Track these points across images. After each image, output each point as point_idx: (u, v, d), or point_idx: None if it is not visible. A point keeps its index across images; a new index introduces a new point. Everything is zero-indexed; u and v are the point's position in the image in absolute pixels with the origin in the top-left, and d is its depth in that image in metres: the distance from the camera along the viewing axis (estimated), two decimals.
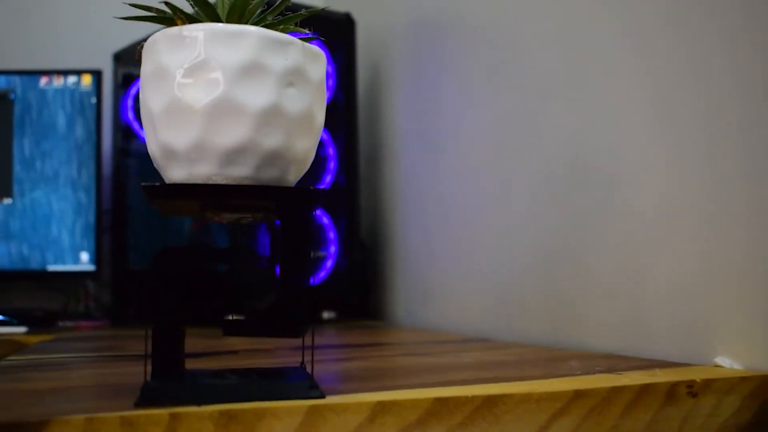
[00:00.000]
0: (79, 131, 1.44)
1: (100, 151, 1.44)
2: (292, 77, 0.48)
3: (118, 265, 1.45)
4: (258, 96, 0.47)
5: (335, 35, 1.31)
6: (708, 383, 0.51)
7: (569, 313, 0.80)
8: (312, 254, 1.27)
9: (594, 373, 0.55)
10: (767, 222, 0.57)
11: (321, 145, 1.28)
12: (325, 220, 1.27)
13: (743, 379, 0.52)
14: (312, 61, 0.50)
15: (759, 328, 0.56)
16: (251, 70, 0.47)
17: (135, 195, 1.45)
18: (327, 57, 1.19)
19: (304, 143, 0.50)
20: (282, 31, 0.49)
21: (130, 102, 1.46)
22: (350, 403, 0.45)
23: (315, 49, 0.50)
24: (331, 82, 1.30)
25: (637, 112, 0.72)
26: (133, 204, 1.46)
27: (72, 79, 1.44)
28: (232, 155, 0.47)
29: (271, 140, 0.48)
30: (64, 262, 1.41)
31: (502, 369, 0.59)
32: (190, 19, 0.49)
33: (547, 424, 0.47)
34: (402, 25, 1.27)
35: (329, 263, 1.28)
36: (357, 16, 1.31)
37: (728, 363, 0.58)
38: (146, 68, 0.49)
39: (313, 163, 1.18)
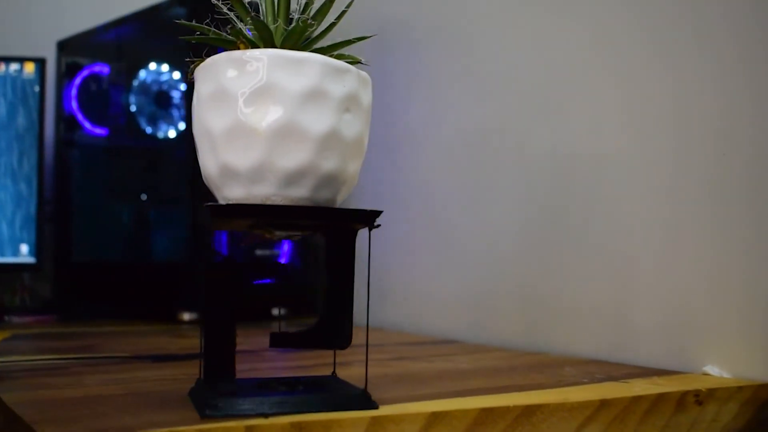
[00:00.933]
0: (21, 120, 1.40)
1: (42, 141, 1.41)
2: (349, 103, 0.51)
3: (61, 257, 1.43)
4: (319, 121, 0.49)
5: None
6: (711, 392, 0.56)
7: (547, 318, 0.84)
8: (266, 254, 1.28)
9: (600, 381, 0.60)
10: (758, 234, 0.63)
11: None
12: None
13: (740, 389, 0.58)
14: (364, 87, 0.52)
15: (746, 338, 0.62)
16: (313, 96, 0.49)
17: (78, 186, 1.43)
18: None
19: (355, 165, 0.52)
20: (337, 57, 0.52)
21: (74, 92, 1.44)
22: (407, 414, 0.48)
23: (365, 75, 0.52)
24: None
25: (619, 120, 0.77)
26: (75, 195, 1.44)
27: (14, 67, 1.40)
28: (293, 177, 0.49)
29: (329, 163, 0.50)
30: (2, 255, 1.38)
31: (509, 375, 0.63)
32: (251, 43, 0.51)
33: (577, 430, 0.52)
34: (371, 32, 1.29)
35: (283, 261, 1.29)
36: None
37: (717, 372, 0.64)
38: (205, 89, 0.50)
39: None
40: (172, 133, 1.28)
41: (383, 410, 0.48)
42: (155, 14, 1.29)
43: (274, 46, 0.51)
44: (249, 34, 0.51)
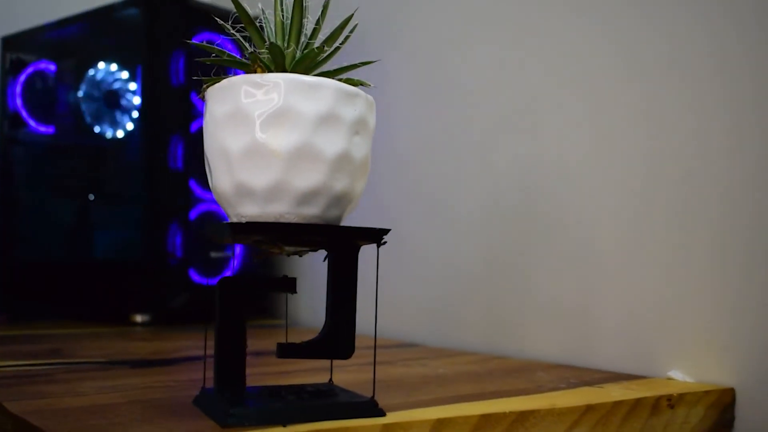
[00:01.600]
0: None
1: None
2: (358, 126, 0.54)
3: (5, 256, 1.41)
4: (332, 143, 0.52)
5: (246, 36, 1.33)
6: (682, 396, 0.61)
7: (509, 324, 0.89)
8: (223, 255, 1.29)
9: (577, 386, 0.64)
10: (722, 241, 0.68)
11: None
12: None
13: (706, 393, 0.63)
14: (370, 110, 0.55)
15: (708, 344, 0.67)
16: (327, 120, 0.52)
17: (23, 184, 1.42)
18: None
19: (361, 185, 0.55)
20: (347, 81, 0.54)
21: (18, 89, 1.42)
22: (414, 421, 0.51)
23: (371, 98, 0.55)
24: None
25: (585, 130, 0.81)
26: (20, 194, 1.42)
27: None
28: (307, 197, 0.52)
29: (340, 183, 0.53)
30: None
31: (491, 381, 0.67)
32: (266, 67, 0.53)
33: None
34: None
35: (234, 263, 1.31)
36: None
37: (680, 376, 0.69)
38: (222, 108, 0.52)
39: None
40: (120, 133, 1.28)
41: (390, 417, 0.51)
42: (106, 14, 1.29)
43: (285, 69, 0.54)
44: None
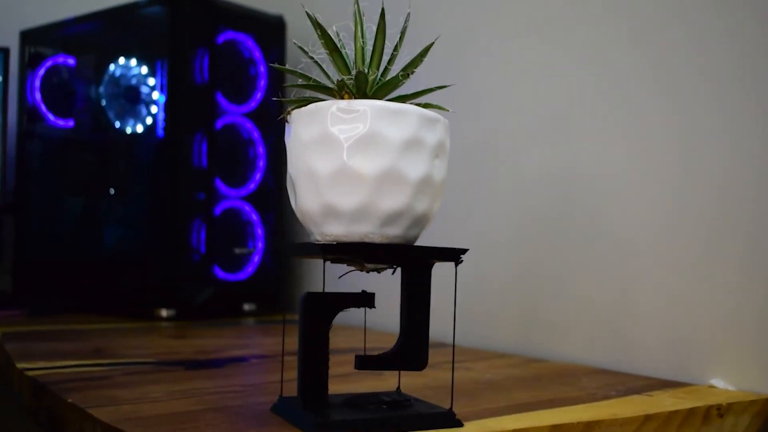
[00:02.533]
0: None
1: (5, 132, 1.40)
2: (438, 150, 0.56)
3: (20, 250, 1.42)
4: (416, 167, 0.54)
5: (268, 35, 1.35)
6: (730, 406, 0.65)
7: (543, 327, 0.92)
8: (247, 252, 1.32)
9: (627, 394, 0.68)
10: (762, 251, 0.71)
11: (252, 143, 1.32)
12: (254, 216, 1.32)
13: (752, 402, 0.66)
14: (447, 134, 0.58)
15: (749, 353, 0.71)
16: (411, 145, 0.54)
17: (41, 178, 1.42)
18: (260, 57, 1.24)
19: (438, 205, 0.58)
20: (425, 106, 0.57)
21: (36, 83, 1.42)
22: (492, 431, 0.54)
23: (447, 122, 0.58)
24: (263, 83, 1.34)
25: (621, 142, 0.84)
26: (38, 187, 1.43)
27: None
28: (391, 218, 0.54)
29: (422, 205, 0.55)
30: None
31: (543, 387, 0.70)
32: (351, 93, 0.55)
33: None
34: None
35: (256, 258, 1.33)
36: (287, 19, 1.36)
37: (722, 384, 0.72)
38: (309, 132, 0.55)
39: (243, 161, 1.25)
40: (140, 128, 1.29)
41: (468, 428, 0.54)
42: (129, 11, 1.30)
43: (365, 94, 0.56)
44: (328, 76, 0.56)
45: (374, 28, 0.57)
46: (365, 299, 0.57)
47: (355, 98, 0.56)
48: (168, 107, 1.23)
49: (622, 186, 0.83)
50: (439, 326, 0.91)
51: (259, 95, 1.32)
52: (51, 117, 1.42)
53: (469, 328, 1.02)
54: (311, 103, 0.57)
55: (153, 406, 0.60)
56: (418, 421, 0.54)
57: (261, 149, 1.33)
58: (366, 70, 0.56)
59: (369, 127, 0.53)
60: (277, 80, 1.36)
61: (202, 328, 1.16)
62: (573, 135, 0.90)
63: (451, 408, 0.56)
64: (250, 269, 1.32)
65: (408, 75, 0.55)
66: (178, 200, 1.23)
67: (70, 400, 0.62)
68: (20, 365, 0.79)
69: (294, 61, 1.35)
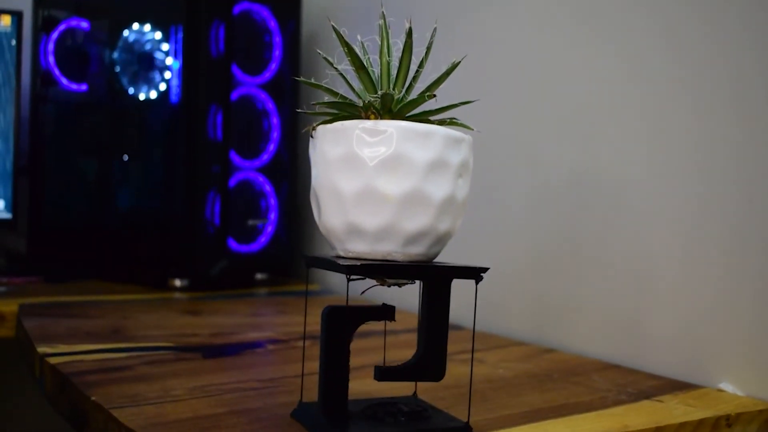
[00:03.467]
0: None
1: (19, 96, 1.40)
2: (462, 169, 0.57)
3: (35, 213, 1.43)
4: (440, 188, 0.55)
5: (284, 6, 1.34)
6: (738, 416, 0.66)
7: (556, 318, 0.93)
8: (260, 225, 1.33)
9: (638, 399, 0.69)
10: None
11: (266, 114, 1.32)
12: (268, 187, 1.33)
13: (760, 412, 0.68)
14: (471, 152, 0.58)
15: (760, 360, 0.72)
16: (437, 166, 0.55)
17: (54, 143, 1.43)
18: (276, 27, 1.23)
19: (459, 222, 0.58)
20: (450, 123, 0.57)
21: (50, 46, 1.42)
22: None
23: (471, 140, 0.58)
24: (278, 53, 1.33)
25: (642, 146, 0.85)
26: (52, 153, 1.44)
27: None
28: (414, 238, 0.55)
29: (445, 225, 0.56)
30: None
31: (553, 386, 0.72)
32: (377, 111, 0.56)
33: None
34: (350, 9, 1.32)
35: (269, 229, 1.34)
36: None
37: (731, 389, 0.74)
38: (335, 151, 0.55)
39: (257, 132, 1.25)
40: (153, 94, 1.29)
41: None
42: None
43: (390, 110, 0.56)
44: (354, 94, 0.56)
45: (400, 44, 0.56)
46: (386, 312, 0.58)
47: (381, 117, 0.56)
48: (183, 78, 1.23)
49: (640, 183, 0.84)
50: (454, 310, 0.92)
51: (273, 66, 1.32)
52: (64, 81, 1.42)
53: (482, 313, 1.03)
54: (336, 119, 0.57)
55: (175, 408, 0.62)
56: None
57: (275, 120, 1.33)
58: (391, 88, 0.56)
59: (395, 148, 0.54)
60: (293, 51, 1.35)
61: (216, 301, 1.18)
62: (593, 130, 0.90)
63: (467, 423, 0.57)
64: (263, 240, 1.33)
65: (434, 95, 0.55)
66: (193, 173, 1.23)
67: (94, 398, 0.64)
68: (41, 349, 0.80)
69: (309, 32, 1.35)
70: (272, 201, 1.33)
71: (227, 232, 1.26)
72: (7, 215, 1.39)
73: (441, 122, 0.58)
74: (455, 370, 0.75)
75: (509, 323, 1.00)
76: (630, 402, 0.69)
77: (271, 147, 1.33)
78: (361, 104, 0.56)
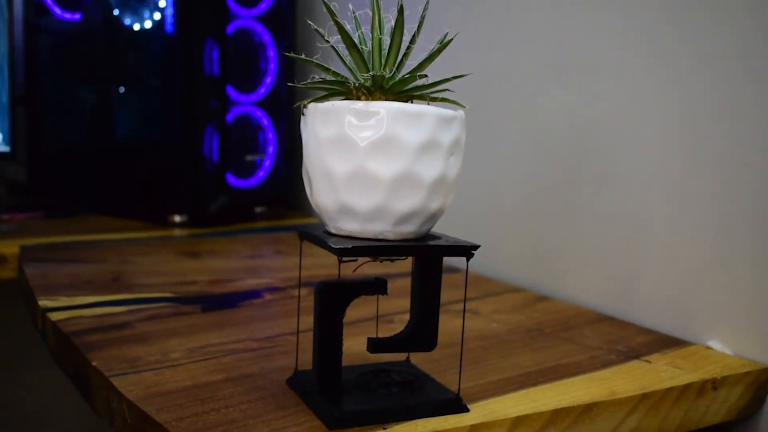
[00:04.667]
0: None
1: (12, 26, 1.37)
2: (454, 148, 0.56)
3: (34, 143, 1.43)
4: (432, 169, 0.55)
5: None
6: (724, 379, 0.68)
7: (550, 264, 0.94)
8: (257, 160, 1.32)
9: (627, 359, 0.71)
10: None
11: (263, 47, 1.30)
12: (265, 121, 1.32)
13: (746, 374, 0.69)
14: (463, 129, 0.58)
15: (748, 319, 0.73)
16: (428, 147, 0.54)
17: (48, 73, 1.42)
18: None
19: (450, 199, 0.58)
20: (442, 100, 0.57)
21: None
22: (496, 420, 0.57)
23: (463, 115, 0.58)
24: None
25: (643, 97, 0.84)
26: (46, 85, 1.42)
27: None
28: (405, 217, 0.55)
29: (436, 204, 0.56)
30: None
31: (544, 344, 0.74)
32: (368, 90, 0.55)
33: (624, 419, 0.62)
34: None
35: (268, 163, 1.34)
36: None
37: (719, 347, 0.75)
38: (326, 132, 0.55)
39: (254, 66, 1.25)
40: (147, 24, 1.27)
41: (474, 414, 0.57)
42: None
43: (382, 86, 0.56)
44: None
45: (392, 19, 0.55)
46: (378, 286, 0.59)
47: (372, 97, 0.55)
48: (177, 9, 1.21)
49: (639, 135, 0.83)
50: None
51: None
52: (58, 10, 1.39)
53: (478, 255, 1.04)
54: (327, 95, 0.57)
55: (174, 374, 0.64)
56: (428, 409, 0.57)
57: (272, 52, 1.31)
58: (382, 67, 0.56)
59: (385, 130, 0.53)
60: None
61: (215, 239, 1.19)
62: (593, 77, 0.89)
63: (458, 394, 0.59)
64: (261, 174, 1.33)
65: (425, 75, 0.55)
66: (190, 109, 1.22)
67: (94, 364, 0.65)
68: (42, 302, 0.82)
69: None
70: (270, 135, 1.33)
71: (225, 167, 1.26)
72: (5, 148, 1.38)
73: (433, 99, 0.57)
74: (450, 323, 0.76)
75: (505, 267, 1.01)
76: (619, 362, 0.70)
77: (269, 80, 1.31)
78: (352, 84, 0.55)
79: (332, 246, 0.54)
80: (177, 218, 1.26)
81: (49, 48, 1.41)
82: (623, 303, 0.85)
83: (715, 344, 0.75)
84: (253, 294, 0.89)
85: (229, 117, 1.27)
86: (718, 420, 0.68)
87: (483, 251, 1.03)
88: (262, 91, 1.31)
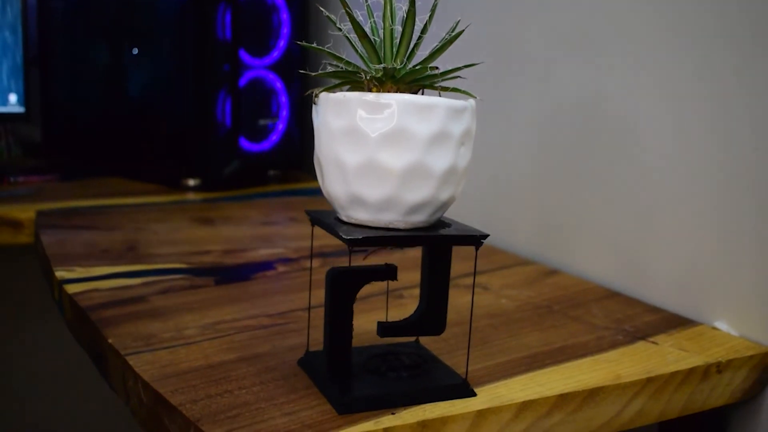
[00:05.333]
0: None
1: None
2: (464, 138, 0.57)
3: (48, 105, 1.44)
4: (442, 160, 0.55)
5: None
6: (729, 363, 0.68)
7: (559, 237, 0.95)
8: (269, 123, 1.33)
9: (633, 340, 0.71)
10: None
11: (275, 9, 1.30)
12: (278, 85, 1.32)
13: (750, 357, 0.70)
14: (474, 118, 0.58)
15: (755, 301, 0.73)
16: (439, 138, 0.55)
17: (61, 33, 1.42)
18: None
19: (461, 188, 0.59)
20: (453, 90, 0.57)
21: None
22: (503, 406, 0.58)
23: (474, 105, 0.58)
24: None
25: (655, 78, 0.83)
26: (59, 44, 1.42)
27: None
28: (416, 208, 0.56)
29: (446, 193, 0.57)
30: None
31: (551, 323, 0.75)
32: (379, 81, 0.55)
33: (628, 402, 0.63)
34: None
35: (281, 126, 1.34)
36: None
37: (725, 328, 0.76)
38: (337, 123, 0.55)
39: (267, 29, 1.25)
40: None
41: (481, 398, 0.58)
42: None
43: (393, 76, 0.56)
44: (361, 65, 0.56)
45: (403, 8, 0.55)
46: (388, 272, 0.60)
47: (383, 87, 0.56)
48: None
49: (652, 111, 0.83)
50: (461, 219, 0.93)
51: None
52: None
53: (489, 228, 1.05)
54: (339, 84, 0.57)
55: (188, 353, 0.65)
56: (436, 393, 0.58)
57: (285, 15, 1.31)
58: (393, 56, 0.56)
59: (397, 122, 0.54)
60: None
61: (228, 204, 1.20)
62: (606, 52, 0.88)
63: (466, 378, 0.60)
64: (275, 138, 1.34)
65: (436, 67, 0.55)
66: (203, 74, 1.23)
67: (110, 341, 0.67)
68: (59, 273, 0.83)
69: None
70: (283, 98, 1.33)
71: (239, 131, 1.27)
72: (20, 109, 1.39)
73: (444, 89, 0.58)
74: (460, 299, 0.77)
75: (516, 240, 1.01)
76: (626, 344, 0.71)
77: (282, 43, 1.31)
78: (364, 74, 0.55)
79: (343, 236, 0.55)
80: (191, 182, 1.26)
81: (63, 9, 1.41)
82: (632, 279, 0.86)
83: (722, 325, 0.76)
84: (266, 265, 0.91)
85: (242, 81, 1.27)
86: (721, 402, 0.69)
87: (495, 223, 1.04)
88: (275, 54, 1.30)
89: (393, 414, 0.56)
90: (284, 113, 1.34)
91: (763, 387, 0.72)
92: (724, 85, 0.75)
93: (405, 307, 0.77)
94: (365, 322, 0.72)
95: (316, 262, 0.89)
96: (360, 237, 0.55)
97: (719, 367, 0.68)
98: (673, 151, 0.81)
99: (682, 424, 0.69)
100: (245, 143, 1.29)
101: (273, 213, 1.18)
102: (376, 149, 0.54)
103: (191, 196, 1.24)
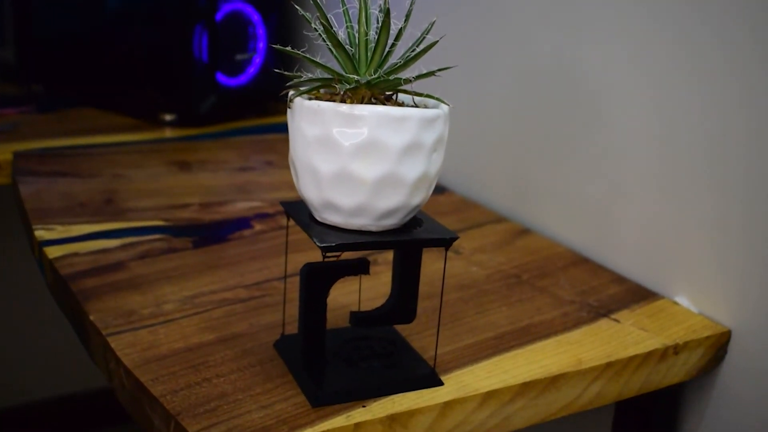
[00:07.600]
0: None
1: None
2: (437, 145, 0.58)
3: (21, 26, 1.41)
4: (414, 168, 0.57)
5: None
6: (686, 344, 0.72)
7: (536, 196, 0.96)
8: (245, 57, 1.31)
9: (596, 317, 0.75)
10: (750, 181, 0.72)
11: None
12: (255, 17, 1.30)
13: (707, 338, 0.73)
14: (446, 124, 0.59)
15: (715, 280, 0.76)
16: (411, 149, 0.56)
17: None
18: None
19: (431, 191, 0.60)
20: (427, 97, 0.57)
21: None
22: (468, 396, 0.61)
23: (447, 110, 0.58)
24: None
25: (630, 48, 0.84)
26: None
27: None
28: (388, 213, 0.58)
29: (418, 199, 0.58)
30: None
31: (519, 297, 0.78)
32: (353, 91, 0.56)
33: (587, 386, 0.67)
34: None
35: (258, 60, 1.33)
36: None
37: (686, 303, 0.79)
38: (312, 131, 0.56)
39: None
40: None
41: (447, 389, 0.61)
42: None
43: (369, 83, 0.57)
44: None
45: (379, 15, 0.55)
46: (361, 266, 0.62)
47: (356, 95, 0.56)
48: None
49: (627, 80, 0.83)
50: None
51: None
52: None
53: (465, 180, 1.06)
54: (315, 87, 0.58)
55: (168, 332, 0.67)
56: (405, 384, 0.61)
57: None
58: (368, 65, 0.56)
59: (369, 134, 0.55)
60: None
61: (205, 142, 1.21)
62: (582, 18, 0.88)
63: (434, 368, 0.63)
64: (252, 71, 1.33)
65: (410, 80, 0.56)
66: (179, 8, 1.21)
67: (92, 318, 0.69)
68: (38, 233, 0.85)
69: None
70: (260, 30, 1.31)
71: (216, 66, 1.26)
72: None
73: (419, 94, 0.58)
74: (432, 266, 0.79)
75: (490, 194, 1.03)
76: (589, 321, 0.74)
77: None
78: (338, 87, 0.56)
79: (317, 243, 0.56)
80: (167, 117, 1.26)
81: None
82: (600, 244, 0.88)
83: (683, 300, 0.79)
84: (243, 223, 0.92)
85: (219, 15, 1.25)
86: (677, 381, 0.73)
87: (469, 176, 1.06)
88: None
89: (364, 407, 0.59)
90: (261, 45, 1.32)
91: (718, 363, 0.76)
92: (702, 56, 0.76)
93: (378, 276, 0.79)
94: (339, 295, 0.74)
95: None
96: (333, 244, 0.56)
97: (676, 349, 0.71)
98: (647, 120, 0.82)
99: (638, 401, 0.72)
100: (222, 78, 1.28)
101: (251, 155, 1.19)
102: (349, 160, 0.55)
103: (168, 133, 1.24)
